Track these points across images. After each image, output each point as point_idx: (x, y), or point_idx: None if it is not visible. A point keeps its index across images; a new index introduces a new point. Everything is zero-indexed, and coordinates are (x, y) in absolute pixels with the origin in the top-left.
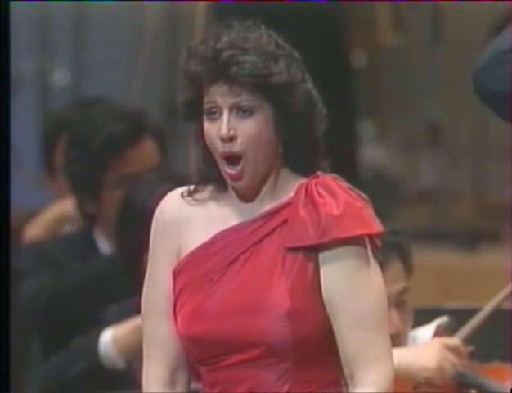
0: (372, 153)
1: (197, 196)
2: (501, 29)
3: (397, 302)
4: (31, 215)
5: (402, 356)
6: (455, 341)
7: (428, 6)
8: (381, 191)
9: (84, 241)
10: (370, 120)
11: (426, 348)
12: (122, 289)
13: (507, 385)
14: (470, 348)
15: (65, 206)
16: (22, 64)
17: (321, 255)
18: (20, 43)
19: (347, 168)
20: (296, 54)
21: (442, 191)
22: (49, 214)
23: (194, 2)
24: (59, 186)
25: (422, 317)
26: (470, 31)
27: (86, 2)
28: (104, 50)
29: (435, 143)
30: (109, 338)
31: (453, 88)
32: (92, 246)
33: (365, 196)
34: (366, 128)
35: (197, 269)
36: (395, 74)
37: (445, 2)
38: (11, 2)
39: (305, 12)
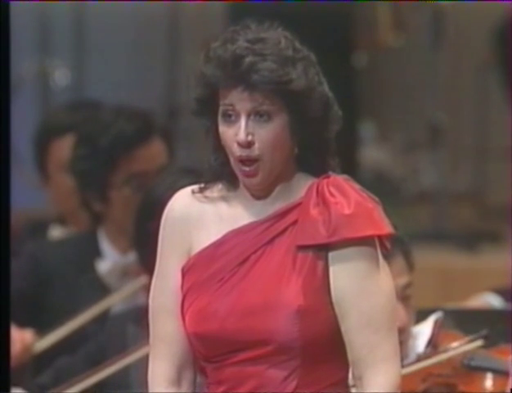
0: (373, 154)
1: (207, 193)
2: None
3: (401, 296)
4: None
5: None
6: None
7: (429, 6)
8: (381, 191)
9: (87, 244)
10: (371, 121)
11: None
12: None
13: None
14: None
15: None
16: (22, 64)
17: (330, 255)
18: (20, 43)
19: (347, 168)
20: (312, 56)
21: (443, 191)
22: None
23: (200, 2)
24: (53, 189)
25: (422, 317)
26: (470, 31)
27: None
28: (104, 50)
29: (436, 144)
30: None
31: (453, 89)
32: (94, 248)
33: (375, 197)
34: (366, 129)
35: (207, 268)
36: (395, 75)
37: (445, 2)
38: (11, 2)
39: (305, 13)
